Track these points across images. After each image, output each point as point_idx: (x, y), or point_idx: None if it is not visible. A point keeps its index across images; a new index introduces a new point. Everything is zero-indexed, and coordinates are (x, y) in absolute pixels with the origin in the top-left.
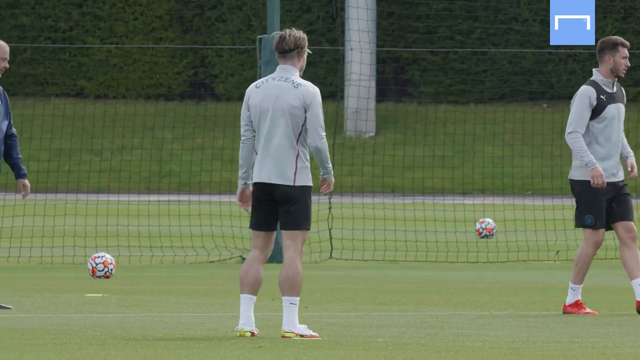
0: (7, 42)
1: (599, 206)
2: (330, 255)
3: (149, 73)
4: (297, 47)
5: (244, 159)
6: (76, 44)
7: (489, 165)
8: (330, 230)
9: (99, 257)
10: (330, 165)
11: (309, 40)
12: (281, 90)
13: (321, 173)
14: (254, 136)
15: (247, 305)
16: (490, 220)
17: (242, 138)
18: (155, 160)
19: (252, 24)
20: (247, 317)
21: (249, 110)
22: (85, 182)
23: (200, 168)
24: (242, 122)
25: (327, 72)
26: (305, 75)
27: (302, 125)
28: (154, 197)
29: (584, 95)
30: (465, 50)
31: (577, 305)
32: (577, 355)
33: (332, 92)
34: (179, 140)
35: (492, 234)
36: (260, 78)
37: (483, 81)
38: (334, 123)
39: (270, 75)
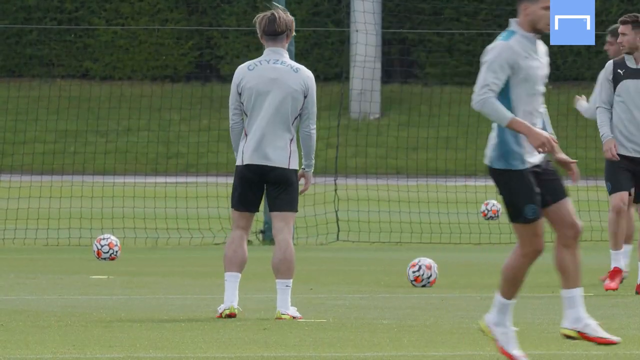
0: (13, 23)
1: (616, 173)
2: (337, 237)
3: (154, 54)
4: (287, 30)
5: (236, 143)
6: (82, 25)
7: None
8: (337, 212)
9: (104, 239)
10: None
11: (314, 22)
12: (279, 73)
13: (303, 166)
14: (242, 120)
15: (234, 283)
16: (496, 202)
17: (230, 122)
18: (162, 141)
19: (257, 5)
20: (234, 294)
21: (240, 93)
22: (91, 163)
23: (206, 149)
24: (232, 106)
25: (332, 53)
26: (310, 57)
27: (300, 109)
28: (160, 179)
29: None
30: (471, 32)
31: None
32: None
33: (337, 74)
34: (185, 122)
35: (498, 216)
36: None
37: None
38: (339, 104)
39: (262, 58)
